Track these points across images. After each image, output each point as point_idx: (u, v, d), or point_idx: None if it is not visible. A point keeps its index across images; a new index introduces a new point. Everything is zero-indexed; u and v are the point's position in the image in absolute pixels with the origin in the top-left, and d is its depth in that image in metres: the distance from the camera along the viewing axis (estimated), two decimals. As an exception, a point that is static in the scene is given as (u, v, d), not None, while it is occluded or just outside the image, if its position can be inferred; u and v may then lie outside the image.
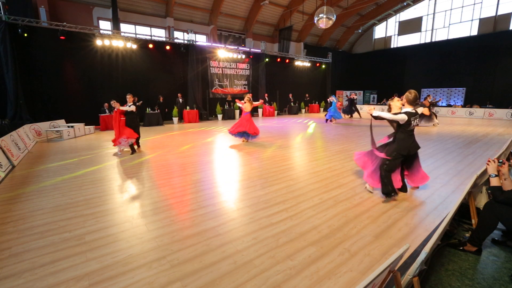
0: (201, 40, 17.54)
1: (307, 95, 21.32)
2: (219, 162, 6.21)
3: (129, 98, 7.17)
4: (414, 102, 3.67)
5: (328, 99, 14.06)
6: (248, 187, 4.41)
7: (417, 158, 4.02)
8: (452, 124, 12.98)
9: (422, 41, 22.08)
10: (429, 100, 12.21)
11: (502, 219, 2.47)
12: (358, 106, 17.00)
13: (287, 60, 19.78)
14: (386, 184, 3.72)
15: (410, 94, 3.63)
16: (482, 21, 18.91)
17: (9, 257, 2.55)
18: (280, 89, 19.95)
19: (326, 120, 14.11)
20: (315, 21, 13.45)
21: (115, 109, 6.85)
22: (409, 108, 3.66)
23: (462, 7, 19.69)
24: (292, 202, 3.77)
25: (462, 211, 3.15)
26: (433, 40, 21.39)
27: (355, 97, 17.05)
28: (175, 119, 14.32)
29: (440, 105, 13.82)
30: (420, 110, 3.96)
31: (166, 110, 14.16)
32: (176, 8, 16.13)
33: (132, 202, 3.84)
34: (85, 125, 10.93)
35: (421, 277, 2.14)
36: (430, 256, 2.20)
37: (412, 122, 3.66)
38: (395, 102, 4.09)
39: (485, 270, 2.36)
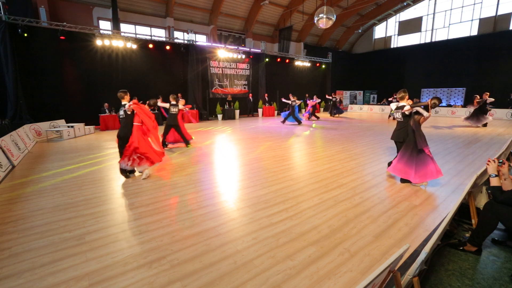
0: (201, 40, 17.54)
1: (307, 95, 21.30)
2: (219, 162, 6.21)
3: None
4: (401, 98, 4.62)
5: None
6: (248, 187, 4.41)
7: (401, 148, 4.51)
8: (452, 124, 12.98)
9: (422, 41, 22.08)
10: (477, 100, 11.57)
11: (502, 219, 2.47)
12: (358, 106, 17.21)
13: (287, 60, 19.78)
14: None
15: (399, 93, 4.64)
16: (482, 21, 18.91)
17: (9, 257, 2.55)
18: (280, 89, 19.94)
19: (299, 122, 13.40)
20: (315, 21, 13.44)
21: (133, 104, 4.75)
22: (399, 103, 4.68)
23: (462, 7, 19.69)
24: (292, 202, 3.77)
25: (462, 211, 3.15)
26: (433, 40, 21.39)
27: (337, 98, 18.65)
28: (175, 119, 14.30)
29: (492, 104, 11.82)
30: (405, 107, 4.53)
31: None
32: (176, 8, 16.13)
33: (132, 202, 3.84)
34: (85, 125, 10.93)
35: (421, 277, 2.14)
36: (430, 256, 2.20)
37: (393, 113, 4.86)
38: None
39: (485, 270, 2.36)
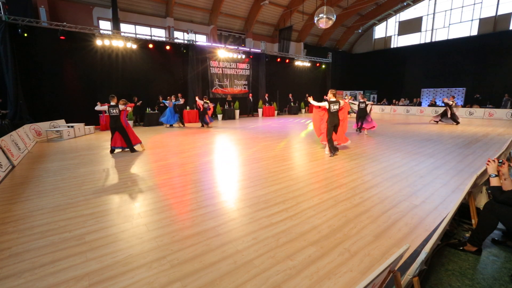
0: (201, 40, 17.54)
1: (307, 95, 21.30)
2: (219, 162, 6.21)
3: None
4: (355, 97, 9.53)
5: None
6: (248, 187, 4.41)
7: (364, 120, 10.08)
8: (451, 124, 12.97)
9: (422, 41, 22.07)
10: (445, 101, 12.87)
11: (502, 219, 2.47)
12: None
13: (287, 60, 19.77)
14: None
15: (361, 96, 10.15)
16: (482, 21, 18.91)
17: (9, 257, 2.55)
18: (280, 89, 19.94)
19: (173, 125, 12.81)
20: (315, 21, 13.43)
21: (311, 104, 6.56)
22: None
23: (462, 7, 19.69)
24: (292, 202, 3.77)
25: (462, 211, 3.15)
26: (433, 40, 21.38)
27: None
28: (175, 119, 14.29)
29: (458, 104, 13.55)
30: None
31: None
32: (176, 8, 16.14)
33: (132, 202, 3.85)
34: (85, 125, 10.93)
35: (421, 277, 2.14)
36: (430, 256, 2.20)
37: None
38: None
39: (485, 270, 2.36)
